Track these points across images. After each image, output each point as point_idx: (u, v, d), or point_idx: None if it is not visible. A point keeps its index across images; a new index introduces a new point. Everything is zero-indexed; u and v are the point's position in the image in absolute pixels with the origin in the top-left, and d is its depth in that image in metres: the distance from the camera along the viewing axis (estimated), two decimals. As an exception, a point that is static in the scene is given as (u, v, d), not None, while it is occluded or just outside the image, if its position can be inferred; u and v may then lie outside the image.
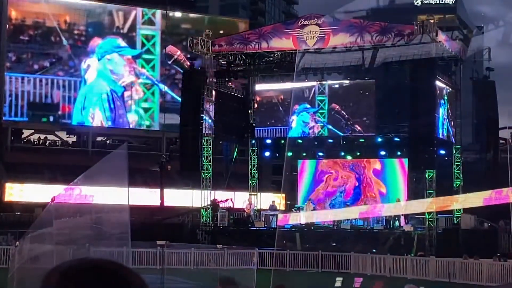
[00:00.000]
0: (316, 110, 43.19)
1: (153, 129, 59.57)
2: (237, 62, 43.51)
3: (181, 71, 52.25)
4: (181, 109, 45.44)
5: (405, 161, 41.49)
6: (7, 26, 55.53)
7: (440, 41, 38.16)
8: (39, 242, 21.41)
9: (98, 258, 2.17)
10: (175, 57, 58.64)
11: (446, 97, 41.48)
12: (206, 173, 42.36)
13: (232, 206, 42.90)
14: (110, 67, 57.89)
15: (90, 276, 2.08)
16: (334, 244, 36.54)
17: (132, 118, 58.96)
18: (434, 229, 37.80)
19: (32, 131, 59.07)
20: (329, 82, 42.78)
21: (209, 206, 41.79)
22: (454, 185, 41.25)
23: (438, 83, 39.28)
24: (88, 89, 57.23)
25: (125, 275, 2.12)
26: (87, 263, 2.13)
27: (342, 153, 43.93)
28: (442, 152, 40.90)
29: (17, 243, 29.11)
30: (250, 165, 46.10)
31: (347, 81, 42.57)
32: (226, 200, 42.83)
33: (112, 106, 57.97)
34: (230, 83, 44.63)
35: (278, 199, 46.68)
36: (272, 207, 43.08)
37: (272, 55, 42.59)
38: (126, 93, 58.59)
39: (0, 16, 55.58)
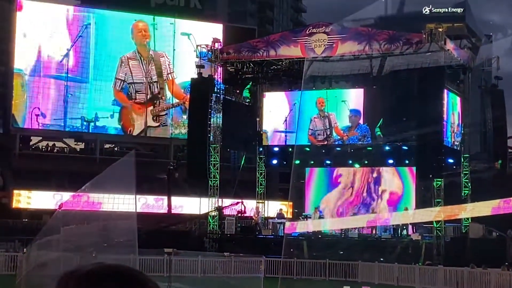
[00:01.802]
0: (324, 118, 43.19)
1: (160, 137, 59.59)
2: (245, 69, 43.54)
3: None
4: (189, 117, 45.49)
5: (413, 169, 41.41)
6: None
7: (448, 50, 38.11)
8: (46, 249, 21.44)
9: (116, 263, 2.14)
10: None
11: (454, 106, 41.40)
12: (213, 180, 42.32)
13: (243, 209, 42.78)
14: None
15: (110, 282, 2.05)
16: (342, 252, 36.44)
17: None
18: (442, 238, 37.64)
19: (40, 138, 59.21)
20: (337, 90, 42.78)
21: (214, 211, 41.75)
22: (462, 194, 41.10)
23: (446, 91, 39.20)
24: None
25: (143, 282, 2.10)
26: (106, 269, 2.10)
27: (350, 161, 43.86)
28: (450, 160, 40.81)
29: (25, 250, 29.18)
30: (257, 173, 46.06)
31: (355, 89, 42.53)
32: (237, 203, 42.78)
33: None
34: (237, 91, 44.65)
35: (285, 207, 46.66)
36: (280, 215, 43.05)
37: (280, 63, 42.59)
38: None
39: (9, 24, 55.83)
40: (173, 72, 59.48)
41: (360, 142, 42.46)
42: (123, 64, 58.33)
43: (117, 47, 58.52)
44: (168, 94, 59.53)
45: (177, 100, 59.29)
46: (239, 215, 42.34)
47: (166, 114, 59.54)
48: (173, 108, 59.41)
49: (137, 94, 58.63)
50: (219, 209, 41.99)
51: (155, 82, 59.15)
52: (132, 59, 58.69)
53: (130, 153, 25.26)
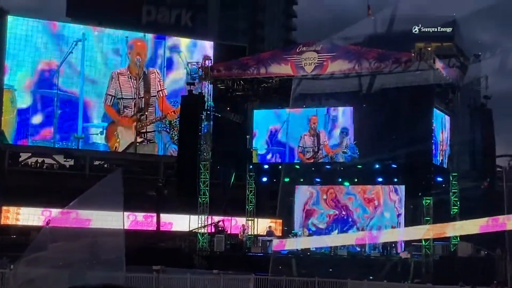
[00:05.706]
0: (313, 136, 43.28)
1: (151, 153, 59.52)
2: (235, 87, 43.61)
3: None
4: (179, 134, 45.51)
5: (402, 187, 41.50)
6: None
7: (437, 69, 38.33)
8: (34, 266, 21.33)
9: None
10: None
11: (443, 124, 41.58)
12: (203, 198, 42.29)
13: (223, 226, 42.92)
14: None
15: None
16: (331, 270, 36.38)
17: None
18: (431, 256, 37.69)
19: (30, 154, 59.04)
20: (327, 108, 42.92)
21: (200, 228, 41.86)
22: (451, 212, 41.18)
23: (435, 110, 39.38)
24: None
25: None
26: None
27: (340, 179, 43.90)
28: (439, 179, 40.91)
29: (12, 266, 28.96)
30: (247, 190, 46.02)
31: (344, 107, 42.67)
32: (218, 222, 43.09)
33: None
34: (228, 108, 44.70)
35: (275, 225, 46.63)
36: (270, 233, 43.01)
37: (270, 80, 42.68)
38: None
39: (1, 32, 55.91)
40: (164, 89, 59.58)
41: (349, 160, 42.50)
42: (113, 79, 58.52)
43: (107, 63, 58.67)
44: (158, 111, 59.57)
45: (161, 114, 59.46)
46: (219, 232, 42.39)
47: (155, 131, 59.59)
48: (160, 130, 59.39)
49: (125, 110, 58.76)
50: (217, 225, 42.29)
51: (141, 98, 59.28)
52: (122, 75, 58.90)
53: (117, 170, 25.23)
